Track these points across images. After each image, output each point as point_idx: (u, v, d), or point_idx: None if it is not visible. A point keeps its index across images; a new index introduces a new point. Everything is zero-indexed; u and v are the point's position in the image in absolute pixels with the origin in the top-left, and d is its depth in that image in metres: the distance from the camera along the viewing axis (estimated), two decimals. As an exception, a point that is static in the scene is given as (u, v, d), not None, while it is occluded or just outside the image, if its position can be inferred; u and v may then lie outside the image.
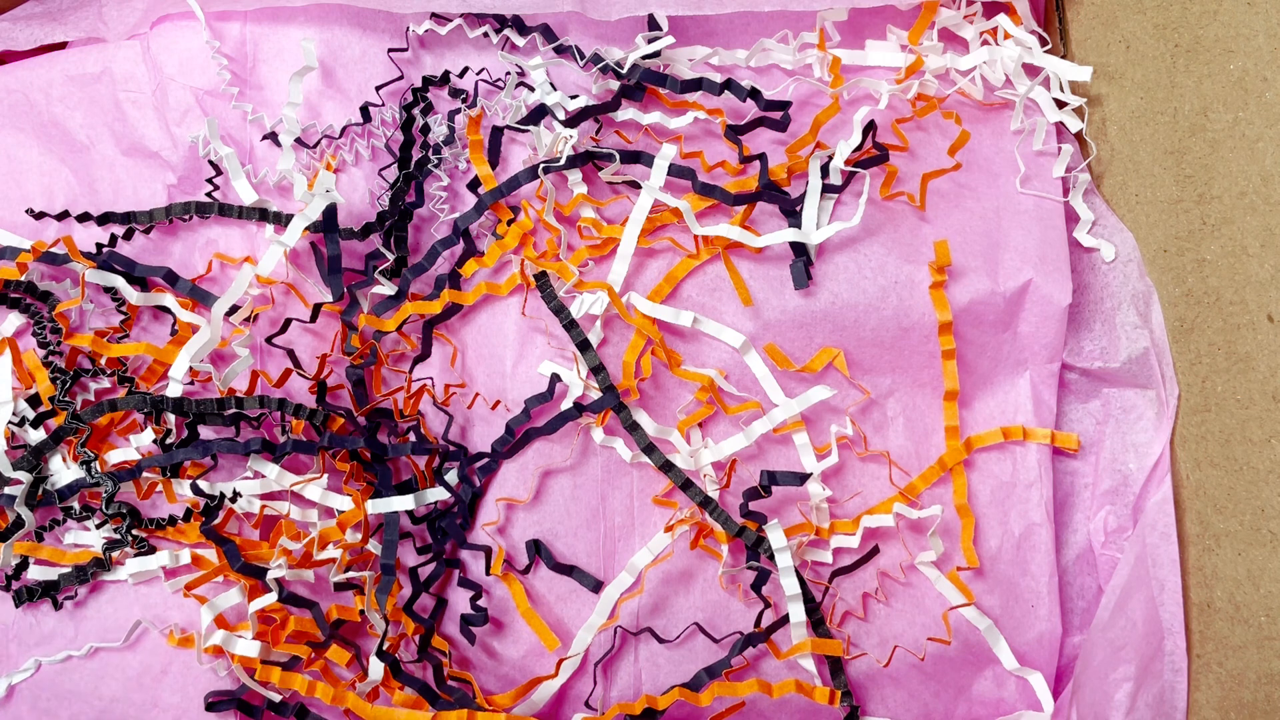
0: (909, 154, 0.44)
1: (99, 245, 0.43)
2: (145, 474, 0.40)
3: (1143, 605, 0.39)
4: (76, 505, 0.41)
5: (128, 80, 0.44)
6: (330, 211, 0.42)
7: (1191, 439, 0.39)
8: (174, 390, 0.40)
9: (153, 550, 0.41)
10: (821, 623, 0.41)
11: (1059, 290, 0.43)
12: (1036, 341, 0.43)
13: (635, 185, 0.43)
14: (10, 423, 0.41)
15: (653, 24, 0.44)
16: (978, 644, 0.42)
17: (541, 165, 0.42)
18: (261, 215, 0.43)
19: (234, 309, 0.41)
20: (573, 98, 0.44)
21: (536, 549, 0.42)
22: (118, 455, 0.41)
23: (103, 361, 0.42)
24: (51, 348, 0.41)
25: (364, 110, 0.44)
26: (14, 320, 0.43)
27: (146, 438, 0.41)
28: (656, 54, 0.44)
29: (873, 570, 0.42)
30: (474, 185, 0.43)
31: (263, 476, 0.41)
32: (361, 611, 0.40)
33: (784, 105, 0.43)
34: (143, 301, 0.42)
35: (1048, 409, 0.43)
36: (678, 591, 0.42)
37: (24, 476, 0.40)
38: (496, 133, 0.44)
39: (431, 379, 0.43)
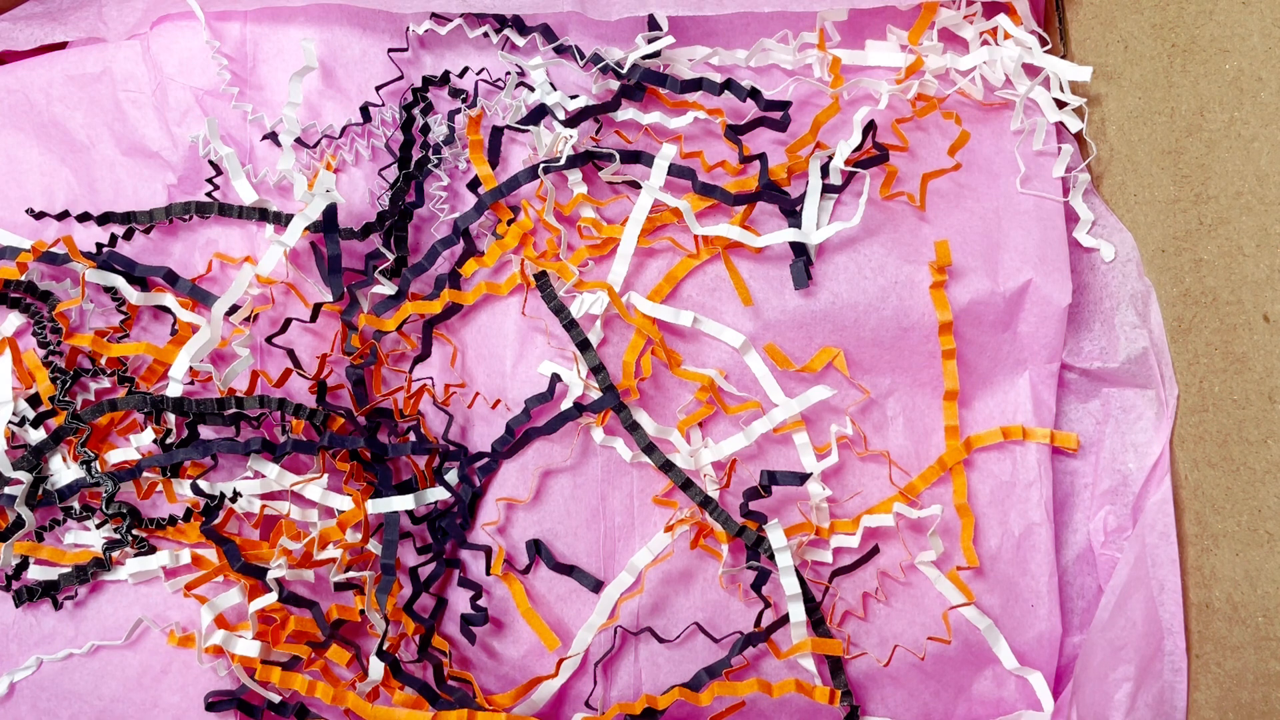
0: (909, 154, 0.44)
1: (99, 245, 0.43)
2: (145, 474, 0.40)
3: (1142, 605, 0.39)
4: (76, 505, 0.41)
5: (128, 80, 0.44)
6: (330, 211, 0.42)
7: (1189, 439, 0.39)
8: (174, 390, 0.40)
9: (153, 550, 0.41)
10: (821, 622, 0.41)
11: (1059, 290, 0.43)
12: (1036, 341, 0.43)
13: (635, 185, 0.43)
14: (10, 423, 0.41)
15: (653, 24, 0.44)
16: (978, 644, 0.42)
17: (541, 165, 0.42)
18: (261, 215, 0.43)
19: (234, 309, 0.41)
20: (573, 98, 0.44)
21: (536, 549, 0.42)
22: (118, 455, 0.41)
23: (103, 361, 0.42)
24: (51, 348, 0.41)
25: (364, 110, 0.44)
26: (14, 320, 0.43)
27: (146, 438, 0.41)
28: (656, 54, 0.44)
29: (873, 570, 0.42)
30: (474, 185, 0.44)
31: (263, 476, 0.41)
32: (361, 611, 0.40)
33: (784, 105, 0.43)
34: (143, 301, 0.42)
35: (1047, 409, 0.43)
36: (678, 591, 0.42)
37: (24, 476, 0.40)
38: (496, 133, 0.44)
39: (431, 379, 0.43)
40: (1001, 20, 0.45)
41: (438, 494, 0.41)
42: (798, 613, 0.40)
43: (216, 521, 0.40)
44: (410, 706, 0.39)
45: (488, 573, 0.41)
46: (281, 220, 0.43)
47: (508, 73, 0.44)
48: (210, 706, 0.40)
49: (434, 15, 0.44)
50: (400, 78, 0.44)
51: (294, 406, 0.40)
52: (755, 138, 0.45)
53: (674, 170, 0.42)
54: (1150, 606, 0.39)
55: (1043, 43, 0.45)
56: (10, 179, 0.44)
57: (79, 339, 0.41)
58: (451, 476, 0.42)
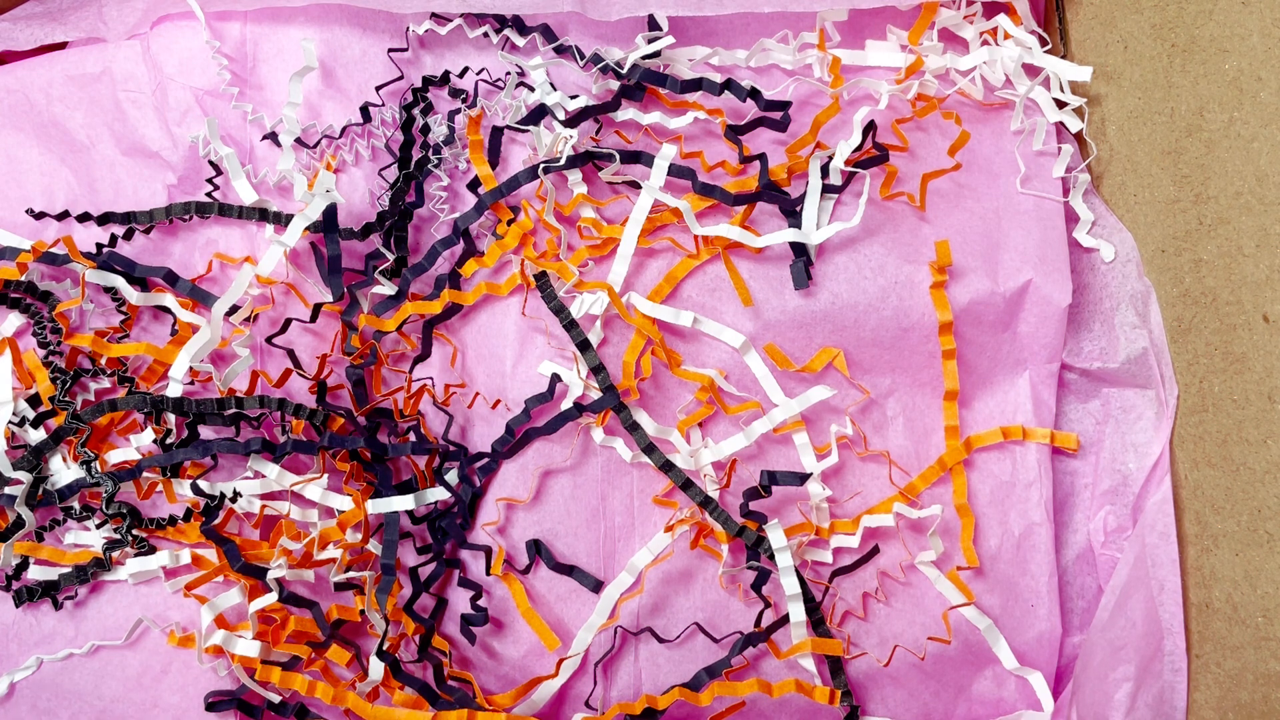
0: (909, 154, 0.44)
1: (99, 245, 0.43)
2: (145, 474, 0.40)
3: (1142, 605, 0.39)
4: (76, 505, 0.41)
5: (128, 80, 0.44)
6: (330, 211, 0.42)
7: (1189, 439, 0.39)
8: (174, 390, 0.40)
9: (153, 550, 0.41)
10: (821, 622, 0.41)
11: (1059, 290, 0.43)
12: (1036, 341, 0.43)
13: (635, 185, 0.43)
14: (10, 423, 0.41)
15: (653, 24, 0.44)
16: (978, 644, 0.42)
17: (541, 165, 0.42)
18: (261, 215, 0.43)
19: (234, 309, 0.41)
20: (573, 98, 0.44)
21: (536, 549, 0.42)
22: (118, 455, 0.41)
23: (103, 361, 0.42)
24: (51, 348, 0.41)
25: (364, 110, 0.44)
26: (14, 320, 0.43)
27: (146, 438, 0.41)
28: (656, 54, 0.44)
29: (873, 570, 0.42)
30: (474, 185, 0.44)
31: (263, 476, 0.41)
32: (361, 611, 0.40)
33: (784, 105, 0.43)
34: (143, 301, 0.42)
35: (1047, 409, 0.44)
36: (678, 591, 0.42)
37: (24, 476, 0.40)
38: (496, 133, 0.44)
39: (431, 379, 0.43)
40: (1001, 20, 0.45)
41: (438, 494, 0.41)
42: (798, 613, 0.40)
43: (216, 521, 0.40)
44: (410, 706, 0.39)
45: (488, 573, 0.41)
46: (281, 220, 0.43)
47: (508, 73, 0.44)
48: (210, 706, 0.40)
49: (434, 15, 0.44)
50: (400, 78, 0.44)
51: (294, 406, 0.40)
52: (755, 138, 0.45)
53: (674, 170, 0.42)
54: (1150, 606, 0.39)
55: (1043, 43, 0.45)
56: (10, 179, 0.44)
57: (79, 339, 0.41)
58: (451, 476, 0.42)
